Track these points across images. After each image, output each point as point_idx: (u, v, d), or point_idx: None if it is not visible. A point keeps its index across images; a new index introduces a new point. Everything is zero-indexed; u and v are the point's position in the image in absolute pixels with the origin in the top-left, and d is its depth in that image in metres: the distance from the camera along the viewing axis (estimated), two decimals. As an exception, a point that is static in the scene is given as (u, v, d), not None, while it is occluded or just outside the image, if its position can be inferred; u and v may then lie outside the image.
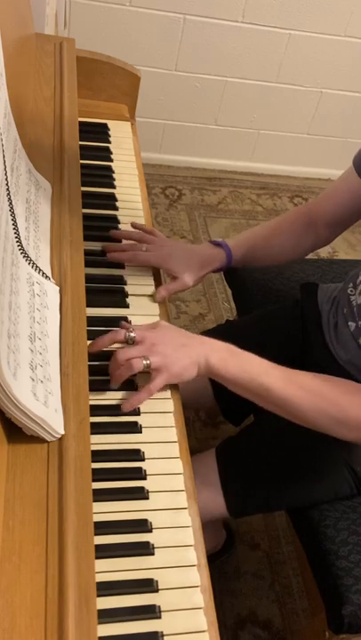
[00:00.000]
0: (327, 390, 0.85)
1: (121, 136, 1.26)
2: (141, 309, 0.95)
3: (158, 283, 1.00)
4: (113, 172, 1.17)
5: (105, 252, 1.00)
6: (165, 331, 0.85)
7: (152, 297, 0.97)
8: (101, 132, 1.25)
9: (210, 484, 0.99)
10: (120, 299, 0.95)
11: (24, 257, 0.76)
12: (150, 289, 0.98)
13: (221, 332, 1.21)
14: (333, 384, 0.86)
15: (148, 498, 0.73)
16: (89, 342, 0.80)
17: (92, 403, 0.71)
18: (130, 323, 0.90)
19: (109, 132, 1.26)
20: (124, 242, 1.03)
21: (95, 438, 0.74)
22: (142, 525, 0.71)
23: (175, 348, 0.82)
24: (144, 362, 0.80)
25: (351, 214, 1.08)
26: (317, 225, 1.10)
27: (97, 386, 0.80)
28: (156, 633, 0.63)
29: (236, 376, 0.84)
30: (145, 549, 0.69)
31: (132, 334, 0.82)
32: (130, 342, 0.83)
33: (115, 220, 1.08)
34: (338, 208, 1.08)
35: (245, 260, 1.10)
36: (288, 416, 0.86)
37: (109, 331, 0.88)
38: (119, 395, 0.82)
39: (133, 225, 1.06)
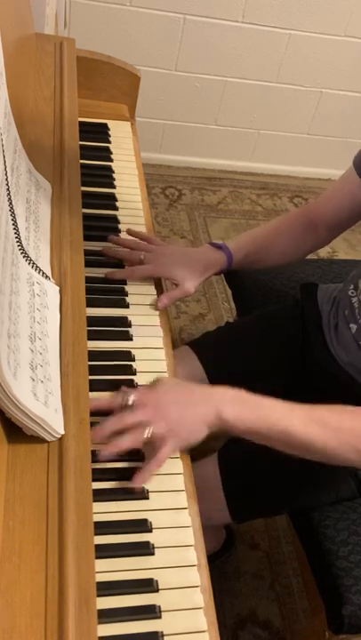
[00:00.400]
0: (350, 424, 0.79)
1: (121, 136, 1.26)
2: (141, 309, 0.95)
3: (158, 283, 1.00)
4: (113, 172, 1.17)
5: (104, 254, 1.00)
6: (167, 391, 0.78)
7: (152, 297, 0.97)
8: (101, 132, 1.25)
9: (212, 490, 0.99)
10: (120, 299, 0.95)
11: (24, 257, 0.76)
12: (150, 289, 0.98)
13: (221, 333, 1.21)
14: (355, 415, 0.81)
15: (148, 498, 0.73)
16: (89, 345, 0.79)
17: (92, 403, 0.71)
18: (130, 324, 0.89)
19: (109, 132, 1.26)
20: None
21: (95, 438, 0.74)
22: (142, 525, 0.71)
23: (180, 410, 0.76)
24: (146, 432, 0.73)
25: (351, 216, 1.08)
26: (317, 226, 1.10)
27: (97, 386, 0.80)
28: (156, 633, 0.63)
29: (253, 427, 0.78)
30: (145, 549, 0.69)
31: (131, 400, 0.76)
32: (128, 408, 0.76)
33: (115, 220, 1.08)
34: (338, 209, 1.08)
35: (246, 263, 1.09)
36: (313, 457, 0.81)
37: (109, 331, 0.89)
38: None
39: (129, 232, 1.04)
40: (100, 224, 1.05)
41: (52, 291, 0.78)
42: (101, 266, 0.98)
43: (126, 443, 0.73)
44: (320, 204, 1.10)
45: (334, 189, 1.09)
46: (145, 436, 0.73)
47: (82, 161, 1.01)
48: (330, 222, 1.09)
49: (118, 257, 1.00)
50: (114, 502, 0.72)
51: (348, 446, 0.79)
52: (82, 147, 1.05)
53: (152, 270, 0.98)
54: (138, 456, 0.77)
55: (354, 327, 1.03)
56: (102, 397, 0.76)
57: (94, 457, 0.71)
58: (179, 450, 0.77)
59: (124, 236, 1.05)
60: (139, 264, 0.99)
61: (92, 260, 0.96)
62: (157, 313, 0.95)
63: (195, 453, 0.82)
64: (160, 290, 0.99)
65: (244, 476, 1.01)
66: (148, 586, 0.66)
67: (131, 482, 0.72)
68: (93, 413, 0.72)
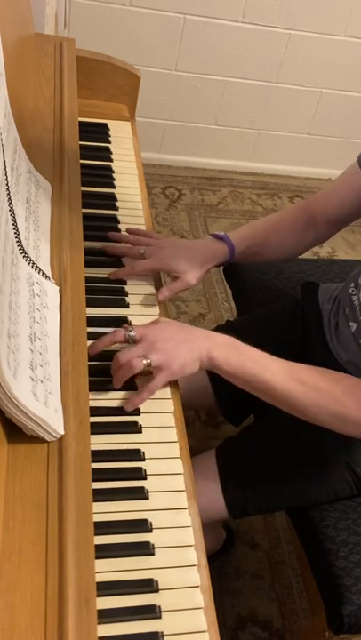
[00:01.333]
0: (327, 385, 0.84)
1: (121, 136, 1.26)
2: (141, 309, 0.95)
3: (158, 282, 1.00)
4: (113, 172, 1.17)
5: (104, 252, 1.00)
6: (166, 327, 0.85)
7: (152, 296, 0.97)
8: (101, 131, 1.25)
9: (210, 484, 0.99)
10: (120, 299, 0.95)
11: (24, 257, 0.76)
12: (150, 288, 0.98)
13: (221, 333, 1.21)
14: (333, 378, 0.86)
15: (148, 498, 0.73)
16: (89, 343, 0.79)
17: (92, 403, 0.71)
18: (130, 323, 0.90)
19: (109, 132, 1.26)
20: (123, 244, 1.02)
21: (95, 438, 0.74)
22: (142, 525, 0.71)
23: (176, 344, 0.82)
24: (144, 361, 0.80)
25: (352, 212, 1.08)
26: (317, 221, 1.10)
27: (97, 386, 0.80)
28: (156, 633, 0.63)
29: (237, 371, 0.84)
30: (145, 549, 0.69)
31: (132, 333, 0.82)
32: (130, 342, 0.82)
33: (115, 219, 1.08)
34: (339, 206, 1.08)
35: (247, 256, 1.09)
36: (289, 410, 0.86)
37: (109, 331, 0.88)
38: (119, 395, 0.82)
39: (129, 230, 1.05)
40: (99, 224, 1.05)
41: (52, 291, 0.78)
42: (101, 266, 0.98)
43: (127, 372, 0.80)
44: (321, 199, 1.10)
45: (336, 185, 1.09)
46: (144, 363, 0.79)
47: (82, 161, 1.01)
48: (330, 217, 1.09)
49: (119, 253, 1.00)
50: (114, 502, 0.72)
51: (320, 405, 0.84)
52: (82, 147, 1.05)
53: (152, 263, 0.99)
54: (138, 455, 0.77)
55: (354, 326, 1.03)
56: (104, 336, 0.82)
57: (94, 457, 0.71)
58: (171, 380, 0.83)
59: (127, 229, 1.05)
60: (139, 259, 0.99)
61: (92, 259, 0.96)
62: (157, 313, 0.95)
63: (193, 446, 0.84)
64: (160, 287, 0.99)
65: (241, 470, 1.01)
66: (149, 586, 0.66)
67: (124, 406, 0.80)
68: (96, 357, 0.81)
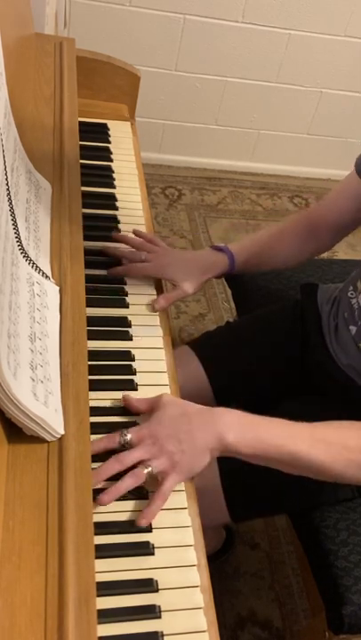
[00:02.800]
0: (355, 442, 0.78)
1: (121, 136, 1.26)
2: (141, 309, 0.95)
3: (158, 283, 1.00)
4: (113, 172, 1.17)
5: (105, 253, 1.00)
6: (163, 420, 0.75)
7: (152, 297, 0.97)
8: (101, 132, 1.25)
9: (211, 490, 0.98)
10: (120, 299, 0.95)
11: (24, 257, 0.76)
12: (150, 289, 0.98)
13: (221, 333, 1.21)
14: (355, 431, 0.80)
15: (147, 498, 0.73)
16: (90, 345, 0.79)
17: (92, 403, 0.71)
18: (130, 324, 0.89)
19: (109, 132, 1.26)
20: (124, 247, 1.02)
21: (95, 438, 0.74)
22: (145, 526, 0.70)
23: (180, 442, 0.73)
24: (145, 470, 0.71)
25: (354, 219, 1.08)
26: (319, 231, 1.10)
27: (97, 386, 0.80)
28: (156, 633, 0.63)
29: (257, 450, 0.76)
30: (145, 549, 0.69)
31: (128, 437, 0.73)
32: (127, 446, 0.74)
33: (115, 219, 1.08)
34: (340, 214, 1.08)
35: (248, 267, 1.09)
36: (318, 476, 0.80)
37: (109, 331, 0.89)
38: (119, 395, 0.82)
39: (135, 232, 1.05)
40: (99, 224, 1.05)
41: (52, 291, 0.78)
42: (101, 266, 0.98)
43: (126, 484, 0.71)
44: (322, 208, 1.10)
45: (336, 193, 1.09)
46: (145, 473, 0.71)
47: (82, 161, 1.01)
48: (332, 225, 1.09)
49: (120, 255, 1.00)
50: (114, 502, 0.71)
51: (353, 464, 0.78)
52: (82, 147, 1.05)
53: (151, 269, 0.99)
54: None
55: (353, 329, 1.03)
56: (98, 440, 0.74)
57: (94, 457, 0.71)
58: (183, 482, 0.75)
59: (127, 229, 1.05)
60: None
61: (92, 259, 0.96)
62: (157, 313, 0.95)
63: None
64: (160, 290, 0.99)
65: (242, 475, 1.01)
66: (148, 586, 0.66)
67: (137, 521, 0.70)
68: (93, 457, 0.69)
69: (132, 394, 0.82)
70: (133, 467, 0.72)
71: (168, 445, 0.73)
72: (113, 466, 0.71)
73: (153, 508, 0.70)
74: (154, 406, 0.78)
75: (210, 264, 1.04)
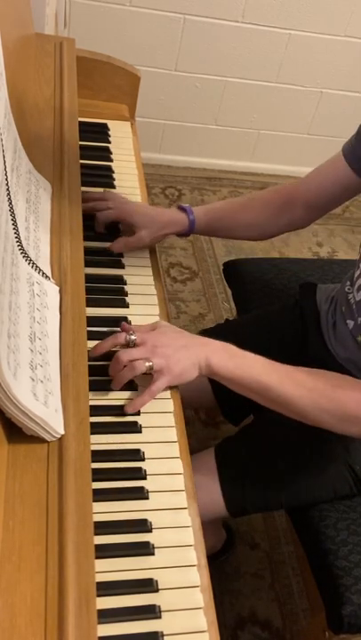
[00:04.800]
0: (325, 387, 0.84)
1: (121, 136, 1.26)
2: (141, 309, 0.95)
3: (158, 283, 1.00)
4: (113, 172, 1.17)
5: (105, 252, 1.01)
6: (166, 332, 0.86)
7: (152, 296, 0.97)
8: (101, 131, 1.25)
9: (209, 483, 0.99)
10: (120, 299, 0.95)
11: (24, 257, 0.76)
12: (150, 289, 0.99)
13: (221, 332, 1.21)
14: (330, 380, 0.86)
15: (148, 498, 0.73)
16: (90, 344, 0.79)
17: (92, 403, 0.71)
18: (130, 323, 0.90)
19: (109, 132, 1.26)
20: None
21: (95, 438, 0.74)
22: (142, 525, 0.70)
23: (176, 350, 0.82)
24: (146, 364, 0.80)
25: (331, 200, 1.08)
26: (295, 205, 1.10)
27: (97, 386, 0.80)
28: (156, 633, 0.63)
29: (236, 376, 0.84)
30: (145, 549, 0.69)
31: (133, 337, 0.83)
32: (131, 345, 0.83)
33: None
34: (319, 191, 1.07)
35: (208, 230, 1.11)
36: (290, 414, 0.86)
37: (109, 331, 0.89)
38: (119, 394, 0.82)
39: (104, 192, 1.09)
40: (100, 224, 1.05)
41: (52, 291, 0.78)
42: (101, 266, 0.98)
43: (128, 374, 0.80)
44: (301, 184, 1.10)
45: (319, 172, 1.09)
46: (146, 365, 0.80)
47: (82, 161, 1.01)
48: (309, 202, 1.09)
49: (88, 209, 1.02)
50: (114, 502, 0.72)
51: (320, 408, 0.84)
52: (82, 147, 1.05)
53: (115, 214, 1.03)
54: (138, 455, 0.77)
55: (351, 323, 1.03)
56: (105, 339, 0.83)
57: (94, 457, 0.71)
58: (170, 385, 0.83)
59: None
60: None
61: (92, 259, 0.96)
62: (157, 313, 0.95)
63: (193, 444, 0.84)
64: (160, 290, 0.99)
65: (240, 468, 1.02)
66: (148, 586, 0.66)
67: (125, 408, 0.80)
68: (98, 358, 0.82)
69: (132, 394, 0.82)
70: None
71: (167, 350, 0.82)
72: (118, 356, 0.81)
73: (142, 399, 0.81)
74: (154, 325, 0.87)
75: (170, 220, 1.07)
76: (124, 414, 0.80)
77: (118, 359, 0.81)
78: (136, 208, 1.05)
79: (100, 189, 1.12)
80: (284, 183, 1.15)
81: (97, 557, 0.59)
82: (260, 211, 1.11)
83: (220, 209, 1.12)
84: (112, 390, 0.82)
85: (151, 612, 0.64)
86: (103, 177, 1.15)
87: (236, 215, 1.12)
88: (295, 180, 1.12)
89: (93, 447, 0.68)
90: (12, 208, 0.75)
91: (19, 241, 0.76)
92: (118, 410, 0.80)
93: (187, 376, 0.83)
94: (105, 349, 0.83)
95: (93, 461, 0.66)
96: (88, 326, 0.78)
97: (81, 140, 1.05)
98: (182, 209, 1.08)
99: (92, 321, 0.84)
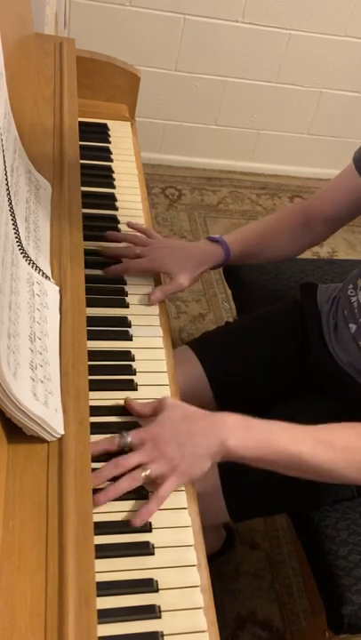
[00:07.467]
0: (357, 442, 0.79)
1: (121, 136, 1.26)
2: (141, 309, 0.95)
3: (158, 282, 1.00)
4: (113, 172, 1.17)
5: (101, 254, 1.00)
6: (165, 423, 0.75)
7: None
8: (101, 132, 1.25)
9: (211, 488, 0.98)
10: (120, 299, 0.95)
11: (24, 257, 0.76)
12: (150, 289, 0.98)
13: (221, 333, 1.21)
14: (357, 431, 0.80)
15: (147, 498, 0.73)
16: (89, 346, 0.79)
17: (92, 403, 0.71)
18: (130, 324, 0.89)
19: (109, 132, 1.26)
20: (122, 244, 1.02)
21: (95, 438, 0.74)
22: (142, 525, 0.70)
23: (180, 446, 0.73)
24: (143, 474, 0.71)
25: (349, 212, 1.08)
26: (314, 223, 1.10)
27: (97, 386, 0.80)
28: (156, 633, 0.63)
29: (261, 454, 0.76)
30: (145, 549, 0.69)
31: (129, 439, 0.74)
32: (126, 449, 0.74)
33: (114, 219, 1.08)
34: (336, 206, 1.08)
35: (243, 258, 1.09)
36: (321, 478, 0.80)
37: (109, 331, 0.89)
38: (119, 395, 0.82)
39: (129, 225, 1.05)
40: (99, 224, 1.05)
41: (52, 291, 0.78)
42: (101, 266, 0.98)
43: (124, 486, 0.71)
44: (317, 200, 1.11)
45: (332, 185, 1.09)
46: (143, 476, 0.71)
47: (82, 161, 1.01)
48: (327, 217, 1.09)
49: (115, 255, 1.00)
50: (114, 502, 0.71)
51: (356, 465, 0.78)
52: (82, 147, 1.05)
53: (146, 264, 0.98)
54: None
55: (353, 327, 1.03)
56: (99, 440, 0.74)
57: (94, 457, 0.71)
58: (183, 484, 0.75)
59: (124, 232, 1.05)
60: (136, 258, 0.99)
61: (92, 259, 0.96)
62: (157, 313, 0.95)
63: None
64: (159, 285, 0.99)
65: (242, 474, 1.01)
66: (148, 586, 0.66)
67: (132, 520, 0.70)
68: (93, 458, 0.70)
69: (131, 394, 0.82)
70: (133, 469, 0.72)
71: (168, 449, 0.72)
72: (111, 470, 0.71)
73: (149, 509, 0.71)
74: (157, 409, 0.77)
75: (205, 256, 1.04)
76: (125, 414, 0.80)
77: (114, 467, 0.71)
78: (167, 253, 1.00)
79: (100, 189, 1.12)
80: (293, 204, 1.15)
81: (97, 557, 0.59)
82: (284, 232, 1.11)
83: (250, 235, 1.10)
84: (112, 390, 0.81)
85: (151, 611, 0.64)
86: (103, 177, 1.15)
87: (266, 240, 1.10)
88: (311, 197, 1.12)
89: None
90: (11, 208, 0.75)
91: (19, 241, 0.75)
92: (118, 410, 0.80)
93: (197, 472, 0.74)
94: (95, 455, 0.73)
95: (93, 461, 0.66)
96: (88, 326, 0.78)
97: (81, 140, 1.05)
98: (214, 240, 1.06)
99: (91, 321, 0.84)
